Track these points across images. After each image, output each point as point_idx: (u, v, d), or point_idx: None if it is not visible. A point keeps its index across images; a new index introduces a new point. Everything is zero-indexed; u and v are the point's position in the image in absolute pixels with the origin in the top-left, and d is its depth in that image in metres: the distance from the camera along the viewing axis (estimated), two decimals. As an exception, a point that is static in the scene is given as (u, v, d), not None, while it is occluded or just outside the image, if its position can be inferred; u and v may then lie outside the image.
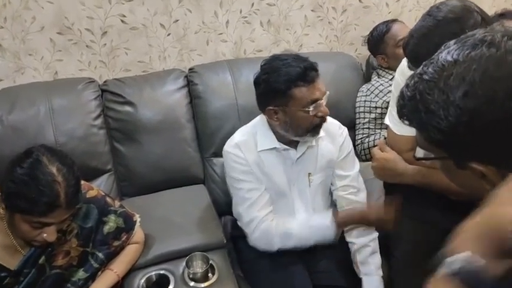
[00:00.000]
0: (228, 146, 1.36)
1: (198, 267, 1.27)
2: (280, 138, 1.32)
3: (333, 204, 1.46)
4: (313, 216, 1.35)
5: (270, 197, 1.35)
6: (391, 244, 1.39)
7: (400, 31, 1.79)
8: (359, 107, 1.84)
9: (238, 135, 1.38)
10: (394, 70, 1.40)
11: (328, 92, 1.25)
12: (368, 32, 1.95)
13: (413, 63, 1.07)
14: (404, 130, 1.19)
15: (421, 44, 1.01)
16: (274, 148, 1.32)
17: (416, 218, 1.33)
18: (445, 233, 1.26)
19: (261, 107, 1.29)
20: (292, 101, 1.21)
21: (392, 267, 1.36)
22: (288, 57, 1.24)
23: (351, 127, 1.83)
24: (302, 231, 1.31)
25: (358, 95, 1.86)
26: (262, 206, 1.33)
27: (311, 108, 1.21)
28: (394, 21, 1.88)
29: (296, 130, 1.26)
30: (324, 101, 1.23)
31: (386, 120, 1.32)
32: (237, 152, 1.33)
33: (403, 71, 1.30)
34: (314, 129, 1.26)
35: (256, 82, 1.27)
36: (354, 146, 1.80)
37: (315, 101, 1.20)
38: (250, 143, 1.34)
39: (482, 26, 0.96)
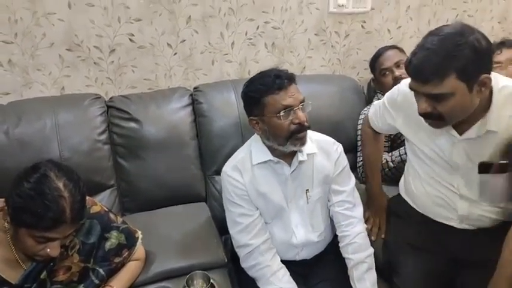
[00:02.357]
0: (227, 168, 1.38)
1: (199, 286, 1.26)
2: (272, 152, 1.34)
3: (331, 222, 1.47)
4: None
5: (263, 224, 1.37)
6: (392, 271, 1.40)
7: (388, 60, 1.83)
8: (361, 129, 1.86)
9: (237, 155, 1.40)
10: None
11: (309, 102, 1.29)
12: (369, 57, 2.00)
13: (418, 78, 1.07)
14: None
15: (427, 59, 1.03)
16: (269, 161, 1.34)
17: (417, 248, 1.34)
18: (446, 261, 1.27)
19: (248, 118, 1.35)
20: (266, 109, 1.26)
21: None
22: (270, 71, 1.30)
23: (352, 149, 1.85)
24: None
25: (360, 118, 1.88)
26: (256, 234, 1.34)
27: (282, 114, 1.24)
28: (391, 47, 1.91)
29: (276, 138, 1.29)
30: (300, 109, 1.26)
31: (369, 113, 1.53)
32: (235, 175, 1.35)
33: (396, 100, 1.34)
34: (293, 136, 1.27)
35: (241, 96, 1.36)
36: (355, 168, 1.82)
37: (286, 107, 1.24)
38: (246, 160, 1.36)
39: (483, 40, 1.01)
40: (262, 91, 1.26)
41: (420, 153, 1.32)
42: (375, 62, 1.91)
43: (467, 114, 1.11)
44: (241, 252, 1.36)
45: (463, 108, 1.08)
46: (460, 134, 1.17)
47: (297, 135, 1.27)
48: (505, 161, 1.12)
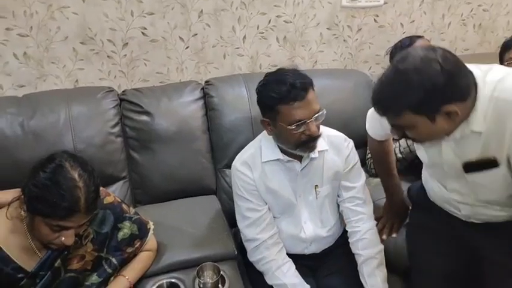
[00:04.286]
0: (237, 162, 1.38)
1: (209, 278, 1.28)
2: (283, 150, 1.33)
3: (341, 220, 1.48)
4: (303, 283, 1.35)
5: (271, 219, 1.37)
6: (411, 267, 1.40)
7: None
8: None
9: (247, 150, 1.40)
10: None
11: (323, 111, 1.23)
12: (382, 51, 1.98)
13: (376, 110, 1.09)
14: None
15: (381, 94, 1.05)
16: (278, 160, 1.34)
17: (439, 243, 1.34)
18: (469, 258, 1.23)
19: (261, 119, 1.32)
20: (279, 117, 1.23)
21: None
22: (288, 72, 1.23)
23: (364, 144, 1.84)
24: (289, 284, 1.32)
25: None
26: (263, 229, 1.35)
27: (293, 127, 1.21)
28: (419, 37, 1.87)
29: (286, 144, 1.29)
30: (313, 121, 1.22)
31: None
32: (244, 170, 1.35)
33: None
34: (303, 145, 1.26)
35: (256, 92, 1.31)
36: (365, 160, 1.81)
37: (299, 120, 1.21)
38: (256, 156, 1.36)
39: (441, 75, 0.97)
40: (275, 100, 1.20)
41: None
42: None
43: (440, 138, 1.11)
44: (248, 246, 1.37)
45: (434, 134, 1.08)
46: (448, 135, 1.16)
47: (307, 145, 1.26)
48: (488, 158, 1.10)
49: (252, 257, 1.37)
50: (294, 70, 1.25)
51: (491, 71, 1.07)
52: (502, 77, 1.04)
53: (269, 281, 1.34)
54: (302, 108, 1.19)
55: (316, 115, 1.22)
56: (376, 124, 1.41)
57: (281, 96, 1.19)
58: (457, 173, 1.20)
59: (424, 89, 0.98)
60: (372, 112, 1.43)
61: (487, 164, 1.10)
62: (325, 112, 1.25)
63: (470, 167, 1.14)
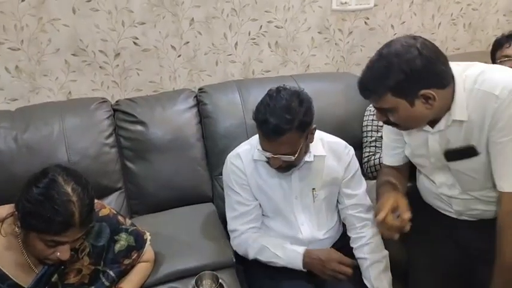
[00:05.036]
0: (231, 155, 1.42)
1: (208, 286, 1.27)
2: None
3: (339, 223, 1.48)
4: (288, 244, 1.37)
5: (259, 214, 1.41)
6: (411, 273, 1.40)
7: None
8: (366, 125, 1.86)
9: (243, 145, 1.44)
10: None
11: (290, 157, 1.22)
12: (373, 53, 1.98)
13: (361, 93, 1.17)
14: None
15: (365, 77, 1.14)
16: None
17: (431, 240, 1.34)
18: (460, 254, 1.25)
19: None
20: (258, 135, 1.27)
21: None
22: (280, 102, 1.19)
23: (358, 146, 1.85)
24: (276, 249, 1.35)
25: (365, 114, 1.88)
26: (249, 221, 1.39)
27: (259, 148, 1.28)
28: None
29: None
30: (277, 158, 1.23)
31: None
32: (237, 163, 1.38)
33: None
34: (268, 163, 1.30)
35: None
36: (361, 163, 1.81)
37: (264, 149, 1.25)
38: (250, 153, 1.39)
39: (419, 59, 1.05)
40: (255, 121, 1.24)
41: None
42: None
43: (422, 123, 1.18)
44: (231, 235, 1.43)
45: (413, 119, 1.15)
46: (433, 127, 1.21)
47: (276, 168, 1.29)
48: (469, 145, 1.15)
49: (233, 242, 1.42)
50: (287, 105, 1.19)
51: (472, 66, 1.15)
52: (482, 71, 1.12)
53: (256, 252, 1.36)
54: (270, 144, 1.22)
55: (282, 156, 1.23)
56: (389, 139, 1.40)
57: (257, 123, 1.23)
58: (442, 165, 1.24)
59: (402, 71, 1.06)
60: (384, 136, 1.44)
61: (467, 151, 1.17)
62: (293, 159, 1.24)
63: (452, 154, 1.20)
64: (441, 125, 1.18)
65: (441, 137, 1.20)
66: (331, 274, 1.29)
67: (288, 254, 1.33)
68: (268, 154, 1.24)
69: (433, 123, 1.20)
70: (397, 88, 1.08)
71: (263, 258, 1.36)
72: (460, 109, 1.12)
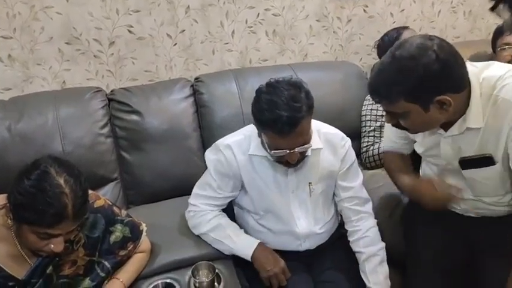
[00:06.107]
0: (221, 143, 1.37)
1: (204, 277, 1.27)
2: None
3: (336, 216, 1.47)
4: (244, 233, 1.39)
5: (222, 205, 1.41)
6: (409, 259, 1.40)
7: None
8: (365, 115, 1.84)
9: (234, 135, 1.39)
10: None
11: (308, 144, 1.21)
12: (372, 42, 1.96)
13: (372, 97, 1.12)
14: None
15: (377, 81, 1.06)
16: (266, 156, 1.32)
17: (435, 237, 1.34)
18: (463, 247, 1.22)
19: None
20: (264, 137, 1.24)
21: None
22: (282, 96, 1.15)
23: (356, 136, 1.84)
24: (233, 233, 1.36)
25: (364, 104, 1.86)
26: (212, 204, 1.39)
27: (272, 152, 1.22)
28: (405, 28, 1.86)
29: (267, 152, 1.28)
30: (295, 151, 1.19)
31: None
32: (227, 154, 1.34)
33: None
34: (281, 163, 1.27)
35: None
36: (359, 154, 1.80)
37: (280, 148, 1.20)
38: (244, 145, 1.35)
39: (436, 63, 0.98)
40: (262, 124, 1.19)
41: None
42: (392, 44, 1.82)
43: (433, 127, 1.13)
44: (189, 207, 1.41)
45: (426, 124, 1.10)
46: (446, 130, 1.16)
47: (284, 164, 1.27)
48: (484, 155, 1.10)
49: (187, 217, 1.41)
50: (290, 95, 1.15)
51: (489, 68, 1.07)
52: (500, 76, 1.04)
53: (210, 228, 1.36)
54: (285, 140, 1.18)
55: (299, 148, 1.20)
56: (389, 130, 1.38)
57: (267, 124, 1.17)
58: (454, 169, 1.20)
59: (418, 76, 0.98)
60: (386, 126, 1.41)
61: (483, 161, 1.11)
62: (310, 146, 1.23)
63: (467, 163, 1.14)
64: (454, 129, 1.12)
65: (454, 141, 1.15)
66: (270, 275, 1.30)
67: (242, 239, 1.35)
68: (283, 152, 1.20)
69: (446, 125, 1.14)
70: (412, 94, 1.02)
71: (213, 235, 1.35)
72: (475, 116, 1.06)
